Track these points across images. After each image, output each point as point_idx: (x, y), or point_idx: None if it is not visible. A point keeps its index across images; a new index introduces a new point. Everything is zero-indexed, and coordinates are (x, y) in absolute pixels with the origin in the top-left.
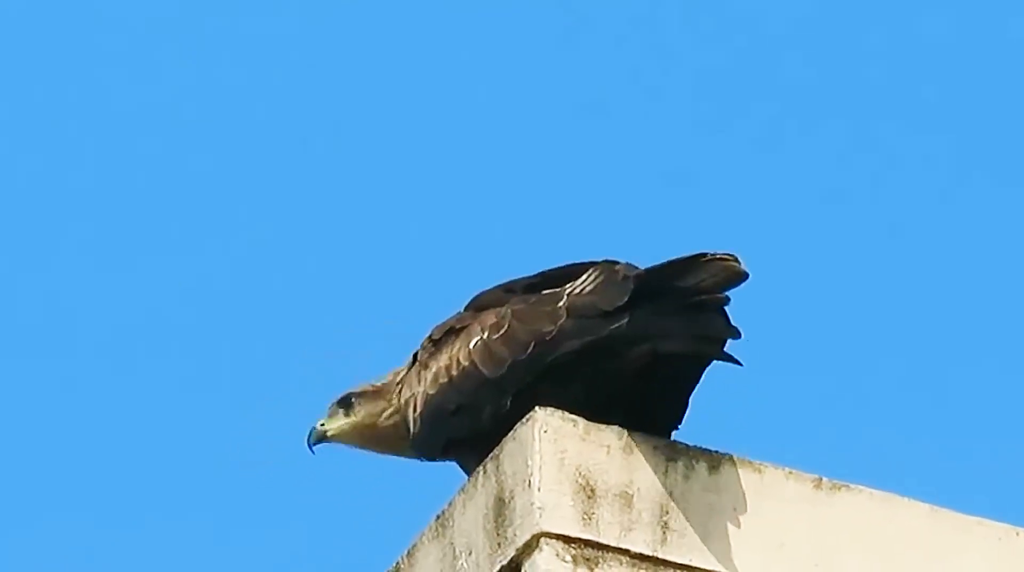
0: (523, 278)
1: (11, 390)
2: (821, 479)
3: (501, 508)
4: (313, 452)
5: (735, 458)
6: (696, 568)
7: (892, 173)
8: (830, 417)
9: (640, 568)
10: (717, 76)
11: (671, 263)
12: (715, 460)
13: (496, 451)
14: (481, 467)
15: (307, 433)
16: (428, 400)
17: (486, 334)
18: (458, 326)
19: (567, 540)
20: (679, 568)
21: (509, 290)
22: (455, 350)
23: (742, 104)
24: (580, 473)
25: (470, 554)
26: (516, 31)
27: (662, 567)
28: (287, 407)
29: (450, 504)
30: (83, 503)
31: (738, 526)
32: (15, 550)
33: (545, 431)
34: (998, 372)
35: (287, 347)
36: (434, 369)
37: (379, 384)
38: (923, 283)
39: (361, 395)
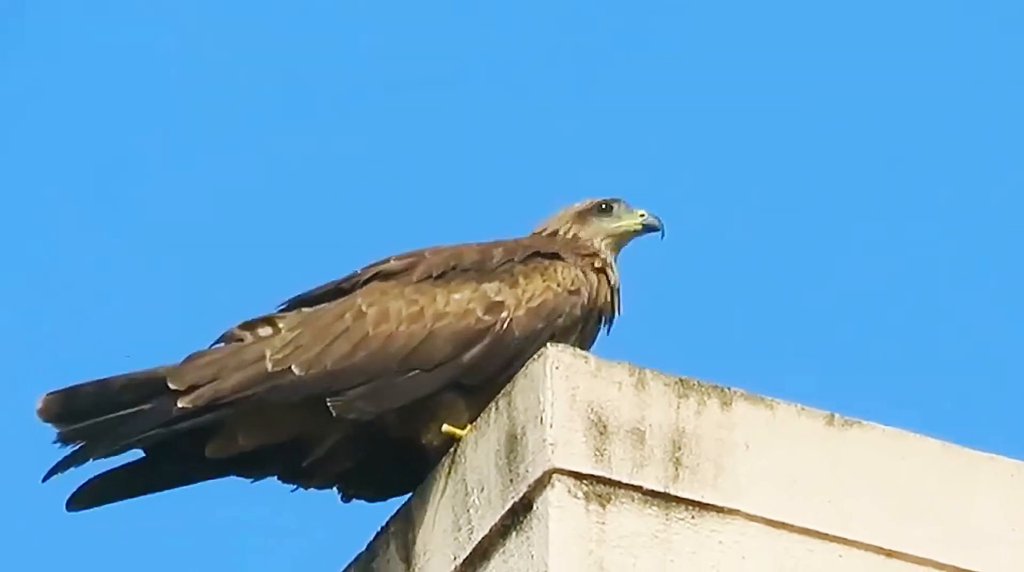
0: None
1: None
2: (833, 415)
3: (513, 444)
4: None
5: (747, 394)
6: (708, 504)
7: None
8: (841, 353)
9: (652, 504)
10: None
11: None
12: (727, 396)
13: (508, 387)
14: (493, 403)
15: None
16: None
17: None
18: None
19: (579, 476)
20: (691, 504)
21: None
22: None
23: None
24: (592, 409)
25: (482, 490)
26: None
27: (674, 503)
28: None
29: (462, 441)
30: None
31: (750, 462)
32: None
33: (557, 367)
34: (1012, 312)
35: None
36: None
37: None
38: (926, 220)
39: None
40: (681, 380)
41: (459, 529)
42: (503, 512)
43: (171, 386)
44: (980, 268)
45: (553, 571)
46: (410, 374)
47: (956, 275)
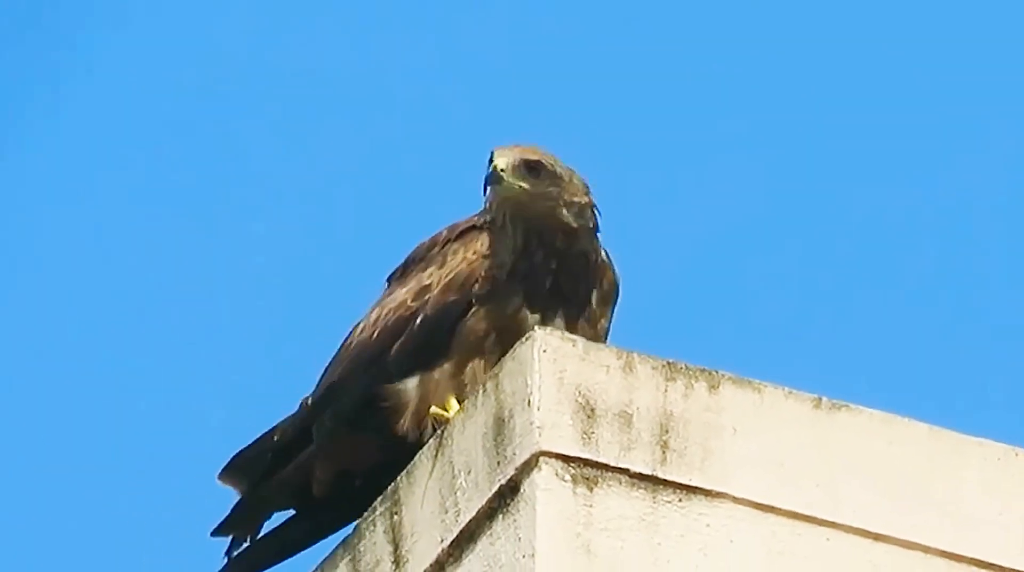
0: None
1: None
2: (821, 399)
3: (500, 427)
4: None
5: (734, 377)
6: (695, 488)
7: None
8: (829, 336)
9: (639, 488)
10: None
11: None
12: (714, 379)
13: (495, 369)
14: (481, 386)
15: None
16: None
17: None
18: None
19: (566, 459)
20: (678, 488)
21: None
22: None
23: None
24: (579, 392)
25: (469, 473)
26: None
27: (661, 487)
28: None
29: (449, 423)
30: None
31: (737, 446)
32: None
33: (544, 350)
34: (1001, 297)
35: None
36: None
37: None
38: (920, 207)
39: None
40: (669, 363)
41: (446, 511)
42: (490, 494)
43: (274, 439)
44: (972, 259)
45: (540, 553)
46: (360, 378)
47: (949, 267)
